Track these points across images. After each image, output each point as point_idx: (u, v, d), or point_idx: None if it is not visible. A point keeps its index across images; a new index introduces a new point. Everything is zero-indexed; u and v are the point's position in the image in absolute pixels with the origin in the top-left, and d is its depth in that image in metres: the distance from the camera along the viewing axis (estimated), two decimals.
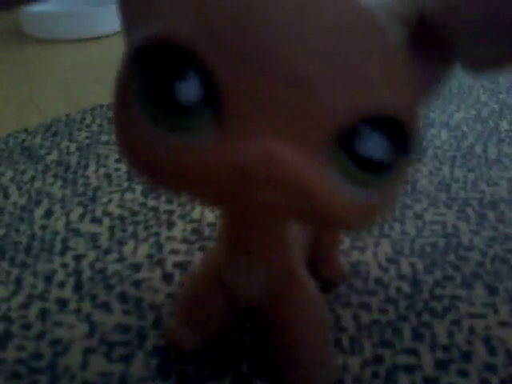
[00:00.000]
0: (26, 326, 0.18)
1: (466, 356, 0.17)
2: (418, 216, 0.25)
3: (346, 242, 0.23)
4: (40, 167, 0.29)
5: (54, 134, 0.33)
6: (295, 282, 0.15)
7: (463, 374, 0.17)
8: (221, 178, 0.09)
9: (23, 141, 0.32)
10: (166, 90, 0.09)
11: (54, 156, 0.30)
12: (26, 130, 0.34)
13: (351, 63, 0.09)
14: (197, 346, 0.17)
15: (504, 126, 0.35)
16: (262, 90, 0.09)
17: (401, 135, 0.10)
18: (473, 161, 0.30)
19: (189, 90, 0.09)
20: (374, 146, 0.09)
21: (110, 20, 0.60)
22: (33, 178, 0.28)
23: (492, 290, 0.20)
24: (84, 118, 0.36)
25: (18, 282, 0.20)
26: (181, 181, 0.10)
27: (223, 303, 0.16)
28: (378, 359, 0.17)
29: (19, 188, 0.27)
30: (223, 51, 0.08)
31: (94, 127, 0.34)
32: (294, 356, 0.15)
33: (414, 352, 0.17)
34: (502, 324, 0.19)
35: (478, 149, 0.32)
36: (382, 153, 0.09)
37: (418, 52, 0.11)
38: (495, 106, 0.38)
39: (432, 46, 0.11)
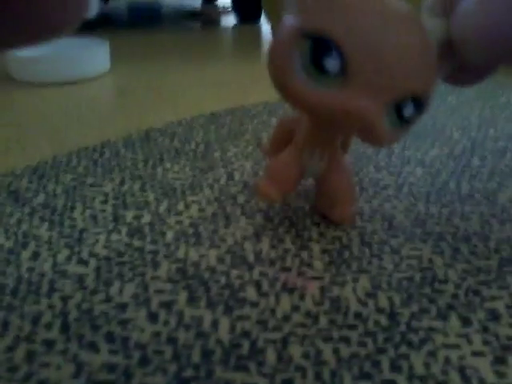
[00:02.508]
0: (13, 369, 0.19)
1: None
2: (395, 251, 0.26)
3: (326, 278, 0.23)
4: (27, 210, 0.30)
5: (41, 177, 0.34)
6: (337, 160, 0.26)
7: None
8: (336, 111, 0.18)
9: (10, 184, 0.33)
10: (320, 60, 0.18)
11: (40, 198, 0.31)
12: (12, 173, 0.34)
13: (413, 67, 0.18)
14: (279, 200, 0.25)
15: (475, 162, 0.36)
16: (369, 73, 0.17)
17: (422, 104, 0.19)
18: (447, 196, 0.31)
19: (334, 64, 0.17)
20: (409, 110, 0.19)
21: (96, 63, 0.61)
22: (19, 221, 0.28)
23: (466, 321, 0.21)
24: (70, 161, 0.36)
25: (5, 324, 0.21)
26: (315, 110, 0.19)
27: (297, 174, 0.26)
28: None
29: (6, 231, 0.27)
30: (356, 48, 0.17)
31: (80, 169, 0.35)
32: (332, 199, 0.26)
33: (392, 383, 0.18)
34: (476, 354, 0.19)
35: (452, 185, 0.33)
36: (412, 114, 0.19)
37: (442, 58, 0.19)
38: (467, 143, 0.40)
39: (448, 56, 0.19)
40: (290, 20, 0.19)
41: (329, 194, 0.26)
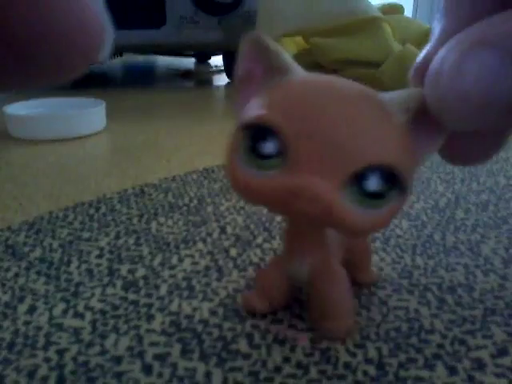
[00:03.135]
0: None
1: None
2: (383, 302, 0.26)
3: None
4: (23, 264, 0.30)
5: (37, 232, 0.35)
6: (330, 268, 0.23)
7: None
8: (281, 196, 0.17)
9: (7, 239, 0.34)
10: (258, 147, 0.17)
11: (37, 253, 0.32)
12: (9, 228, 0.35)
13: (365, 139, 0.16)
14: (264, 310, 0.25)
15: (459, 214, 0.38)
16: (313, 149, 0.16)
17: (396, 178, 0.17)
18: (432, 248, 0.33)
19: (270, 147, 0.17)
20: (373, 183, 0.17)
21: (92, 122, 0.63)
22: (16, 275, 0.29)
23: (452, 370, 0.22)
24: (66, 216, 0.37)
25: (1, 378, 0.21)
26: (259, 198, 0.18)
27: (285, 283, 0.25)
28: None
29: (3, 285, 0.28)
30: (294, 129, 0.16)
31: (76, 224, 0.36)
32: (324, 312, 0.24)
33: None
34: None
35: (437, 237, 0.34)
36: (381, 187, 0.17)
37: (419, 127, 0.18)
38: (451, 197, 0.41)
39: (429, 124, 0.17)
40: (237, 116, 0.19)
41: (318, 305, 0.24)
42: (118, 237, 0.34)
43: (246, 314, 0.25)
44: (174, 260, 0.31)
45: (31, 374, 0.21)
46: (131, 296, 0.27)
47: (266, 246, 0.33)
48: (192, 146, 0.59)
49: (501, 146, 0.18)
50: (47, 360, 0.22)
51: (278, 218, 0.37)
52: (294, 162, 0.16)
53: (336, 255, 0.24)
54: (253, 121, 0.17)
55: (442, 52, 0.14)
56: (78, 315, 0.25)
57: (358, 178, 0.16)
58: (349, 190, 0.16)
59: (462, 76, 0.13)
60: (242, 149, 0.18)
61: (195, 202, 0.40)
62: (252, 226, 0.36)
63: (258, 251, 0.32)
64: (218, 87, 1.13)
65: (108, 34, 0.10)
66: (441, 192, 0.43)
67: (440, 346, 0.23)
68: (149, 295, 0.27)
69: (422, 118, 0.17)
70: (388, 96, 0.17)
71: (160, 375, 0.21)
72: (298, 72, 0.18)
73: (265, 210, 0.38)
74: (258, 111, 0.17)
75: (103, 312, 0.26)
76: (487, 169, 0.50)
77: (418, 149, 0.18)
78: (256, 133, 0.17)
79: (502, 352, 0.23)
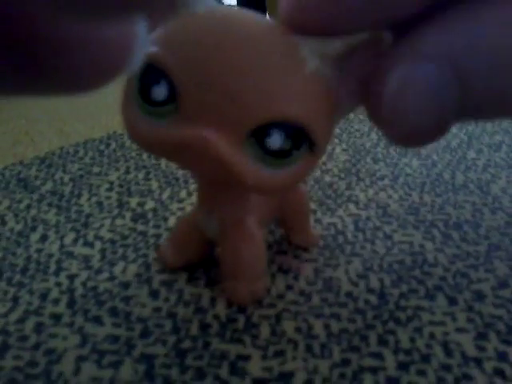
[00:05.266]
0: (23, 338, 0.20)
1: (425, 358, 0.19)
2: (388, 237, 0.27)
3: (320, 260, 0.25)
4: (35, 196, 0.31)
5: (49, 166, 0.35)
6: (240, 225, 0.21)
7: (422, 373, 0.18)
8: (176, 149, 0.15)
9: (19, 172, 0.34)
10: (148, 91, 0.14)
11: (48, 186, 0.32)
12: (21, 163, 0.36)
13: (268, 89, 0.14)
14: (176, 264, 0.24)
15: (471, 154, 0.37)
16: (207, 98, 0.14)
17: (301, 134, 0.14)
18: (441, 187, 0.32)
19: (160, 92, 0.14)
20: (275, 140, 0.14)
21: None
22: (28, 207, 0.30)
23: (452, 301, 0.22)
24: (77, 151, 0.38)
25: (15, 299, 0.22)
26: (152, 147, 0.16)
27: (197, 237, 0.23)
28: (346, 362, 0.19)
29: (15, 215, 0.29)
30: (185, 73, 0.14)
31: (87, 159, 0.36)
32: (230, 271, 0.22)
33: (378, 356, 0.19)
34: (459, 330, 0.20)
35: (447, 175, 0.34)
36: (285, 145, 0.14)
37: (336, 77, 0.14)
38: (464, 137, 0.41)
39: (348, 76, 0.14)
40: None
41: (225, 263, 0.22)
42: (127, 171, 0.34)
43: None
44: (183, 194, 0.31)
45: (43, 297, 0.22)
46: (140, 227, 0.27)
47: None
48: None
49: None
50: (58, 284, 0.23)
51: None
52: (186, 111, 0.14)
53: (255, 213, 0.22)
54: (146, 61, 0.15)
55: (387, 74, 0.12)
56: (88, 244, 0.26)
57: (259, 135, 0.14)
58: (249, 147, 0.14)
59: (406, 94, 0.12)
60: (134, 91, 0.15)
61: None
62: None
63: None
64: None
65: (139, 49, 0.09)
66: (454, 132, 0.42)
67: (442, 278, 0.24)
68: (157, 226, 0.28)
69: (341, 67, 0.14)
70: (302, 39, 0.14)
71: (167, 300, 0.22)
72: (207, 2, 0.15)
73: None
74: (150, 48, 0.15)
75: (112, 241, 0.26)
76: None
77: (335, 102, 0.15)
78: (146, 74, 0.15)
79: (503, 285, 0.23)
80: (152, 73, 0.14)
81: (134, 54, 0.09)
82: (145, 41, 0.10)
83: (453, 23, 0.11)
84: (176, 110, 0.14)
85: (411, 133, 0.12)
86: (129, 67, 0.10)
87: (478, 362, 0.19)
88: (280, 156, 0.14)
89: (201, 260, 0.24)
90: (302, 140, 0.14)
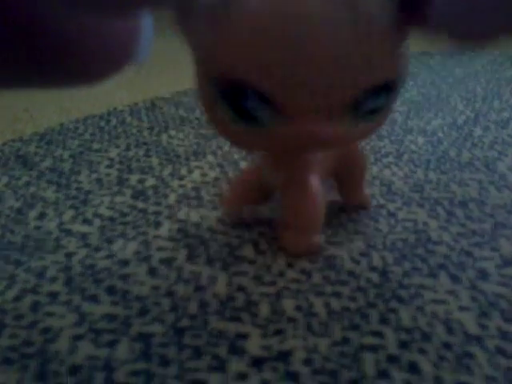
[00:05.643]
0: (19, 317, 0.20)
1: (427, 337, 0.19)
2: (392, 214, 0.26)
3: (322, 238, 0.24)
4: (34, 173, 0.31)
5: (48, 143, 0.35)
6: (301, 180, 0.22)
7: (423, 352, 0.18)
8: (279, 146, 0.16)
9: (18, 149, 0.34)
10: (239, 106, 0.15)
11: (47, 163, 0.32)
12: (20, 139, 0.35)
13: (354, 62, 0.14)
14: (236, 210, 0.25)
15: (478, 132, 0.37)
16: (303, 93, 0.14)
17: (391, 88, 0.15)
18: (446, 164, 0.32)
19: (253, 104, 0.15)
20: (373, 101, 0.15)
21: None
22: (27, 184, 0.29)
23: (455, 279, 0.22)
24: (77, 128, 0.37)
25: (12, 277, 0.22)
26: (262, 150, 0.19)
27: (258, 188, 0.24)
28: (346, 341, 0.18)
29: (14, 193, 0.28)
30: (276, 82, 0.14)
31: (87, 136, 0.36)
32: (289, 222, 0.23)
33: (379, 334, 0.19)
34: (462, 308, 0.20)
35: (452, 153, 0.33)
36: (380, 104, 0.16)
37: (403, 25, 0.14)
38: (470, 114, 0.40)
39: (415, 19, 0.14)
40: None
41: (284, 216, 0.23)
42: (128, 148, 0.34)
43: (253, 223, 0.25)
44: (184, 171, 0.31)
45: (40, 275, 0.22)
46: (140, 204, 0.27)
47: None
48: None
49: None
50: (56, 262, 0.23)
51: None
52: (286, 110, 0.15)
53: (316, 171, 0.23)
54: (226, 81, 0.14)
55: None
56: (87, 221, 0.26)
57: (359, 102, 0.15)
58: (351, 113, 0.15)
59: None
60: (221, 106, 0.15)
61: None
62: None
63: None
64: None
65: (146, 40, 0.09)
66: (460, 110, 0.41)
67: (446, 256, 0.23)
68: (157, 204, 0.27)
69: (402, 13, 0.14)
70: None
71: (166, 278, 0.22)
72: None
73: None
74: (224, 65, 0.14)
75: (111, 219, 0.26)
76: None
77: (401, 42, 0.15)
78: (233, 93, 0.15)
79: (508, 263, 0.23)
80: (239, 90, 0.14)
81: (140, 47, 0.09)
82: (150, 34, 0.10)
83: None
84: (273, 111, 0.15)
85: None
86: (134, 59, 0.10)
87: (480, 340, 0.19)
88: (376, 111, 0.16)
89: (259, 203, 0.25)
90: (390, 92, 0.15)
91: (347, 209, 0.26)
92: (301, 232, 0.23)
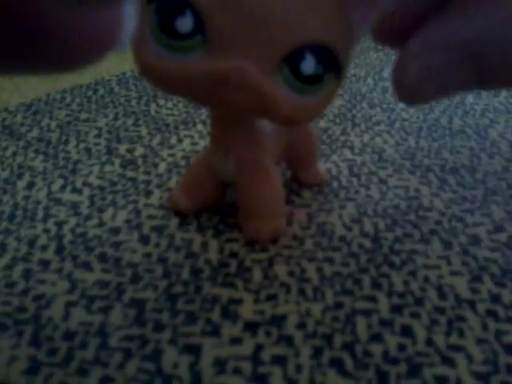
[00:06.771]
0: (11, 284, 0.19)
1: (419, 301, 0.19)
2: (383, 181, 0.26)
3: (314, 206, 0.24)
4: (21, 143, 0.30)
5: (35, 113, 0.34)
6: (258, 165, 0.21)
7: (415, 315, 0.18)
8: (204, 84, 0.14)
9: (4, 119, 0.33)
10: (172, 24, 0.14)
11: (34, 133, 0.31)
12: (6, 109, 0.35)
13: (299, 13, 0.14)
14: (189, 209, 0.23)
15: (470, 99, 0.36)
16: (236, 26, 0.14)
17: (330, 58, 0.15)
18: (438, 132, 0.32)
19: (186, 23, 0.14)
20: (309, 64, 0.14)
21: None
22: (14, 154, 0.29)
23: (447, 245, 0.22)
24: (64, 98, 0.36)
25: (3, 246, 0.22)
26: (176, 85, 0.15)
27: (211, 180, 0.23)
28: (339, 305, 0.19)
29: (1, 163, 0.28)
30: (212, 4, 0.14)
31: (74, 106, 0.35)
32: (251, 211, 0.21)
33: (371, 299, 0.19)
34: (454, 273, 0.20)
35: (444, 121, 0.33)
36: (317, 70, 0.15)
37: (354, 2, 0.15)
38: None
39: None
40: None
41: (244, 204, 0.22)
42: (116, 118, 0.33)
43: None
44: (173, 140, 0.30)
45: (31, 243, 0.22)
46: (129, 173, 0.27)
47: None
48: None
49: None
50: (46, 231, 0.22)
51: None
52: (216, 42, 0.14)
53: (269, 151, 0.22)
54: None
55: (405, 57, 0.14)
56: (76, 190, 0.25)
57: (292, 60, 0.14)
58: (282, 74, 0.15)
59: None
60: (151, 25, 0.14)
61: None
62: None
63: None
64: None
65: (127, 28, 0.09)
66: None
67: (437, 222, 0.23)
68: (147, 173, 0.27)
69: None
70: None
71: (157, 245, 0.22)
72: None
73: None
74: None
75: (101, 188, 0.26)
76: None
77: (353, 26, 0.15)
78: (167, 5, 0.14)
79: (499, 228, 0.23)
80: (174, 3, 0.14)
81: (122, 34, 0.09)
82: (133, 21, 0.10)
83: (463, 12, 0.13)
84: (203, 42, 0.14)
85: (417, 100, 0.14)
86: (116, 47, 0.10)
87: (472, 304, 0.19)
88: (313, 82, 0.15)
89: (213, 204, 0.23)
90: (331, 64, 0.15)
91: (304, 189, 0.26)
92: (265, 218, 0.21)
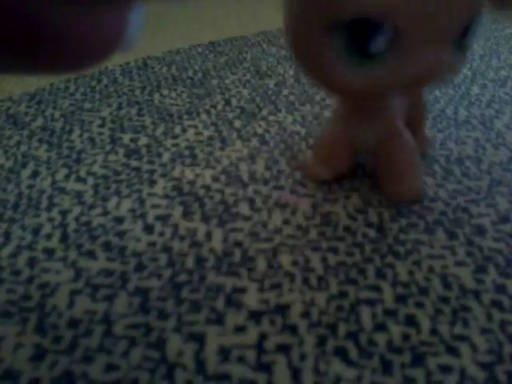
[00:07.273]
0: (16, 273, 0.20)
1: (424, 291, 0.19)
2: None
3: (318, 196, 0.24)
4: (25, 133, 0.30)
5: (39, 102, 0.34)
6: (396, 132, 0.22)
7: (420, 305, 0.18)
8: (392, 82, 0.17)
9: (8, 108, 0.33)
10: (365, 45, 0.16)
11: (38, 122, 0.31)
12: (10, 99, 0.34)
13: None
14: (328, 177, 0.24)
15: (475, 90, 0.36)
16: (423, 28, 0.16)
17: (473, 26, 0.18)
18: (443, 122, 0.31)
19: (381, 43, 0.16)
20: (470, 37, 0.18)
21: None
22: (18, 143, 0.29)
23: (452, 235, 0.22)
24: (68, 87, 0.36)
25: (7, 234, 0.22)
26: (372, 94, 0.19)
27: (347, 149, 0.23)
28: (343, 295, 0.19)
29: (5, 152, 0.28)
30: (408, 18, 0.16)
31: (78, 95, 0.35)
32: (393, 177, 0.23)
33: (376, 288, 0.19)
34: (458, 263, 0.20)
35: (449, 111, 0.33)
36: (470, 40, 0.18)
37: None
38: (468, 73, 0.39)
39: None
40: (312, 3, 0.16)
41: (392, 169, 0.23)
42: (120, 107, 0.33)
43: (248, 181, 0.25)
44: (177, 130, 0.30)
45: (36, 232, 0.22)
46: (133, 163, 0.27)
47: (272, 118, 0.32)
48: (197, 19, 0.56)
49: None
50: (51, 220, 0.22)
51: (285, 92, 0.35)
52: (405, 46, 0.16)
53: (401, 118, 0.23)
54: (357, 14, 0.15)
55: None
56: (80, 180, 0.25)
57: (463, 34, 0.17)
58: (453, 47, 0.17)
59: None
60: (337, 48, 0.16)
61: (200, 75, 0.39)
62: (257, 99, 0.35)
63: (263, 123, 0.31)
64: None
65: (133, 31, 0.09)
66: None
67: (442, 213, 0.23)
68: (151, 162, 0.27)
69: None
70: None
71: (161, 234, 0.22)
72: None
73: (271, 84, 0.37)
74: (355, 4, 0.15)
75: (105, 177, 0.25)
76: (510, 46, 0.47)
77: None
78: (361, 28, 0.16)
79: (504, 219, 0.23)
80: (368, 25, 0.15)
81: (126, 37, 0.10)
82: (140, 24, 0.10)
83: None
84: (392, 50, 0.16)
85: None
86: (120, 49, 0.10)
87: (477, 294, 0.19)
88: (465, 47, 0.18)
89: (346, 172, 0.25)
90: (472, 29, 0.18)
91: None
92: (404, 183, 0.23)
